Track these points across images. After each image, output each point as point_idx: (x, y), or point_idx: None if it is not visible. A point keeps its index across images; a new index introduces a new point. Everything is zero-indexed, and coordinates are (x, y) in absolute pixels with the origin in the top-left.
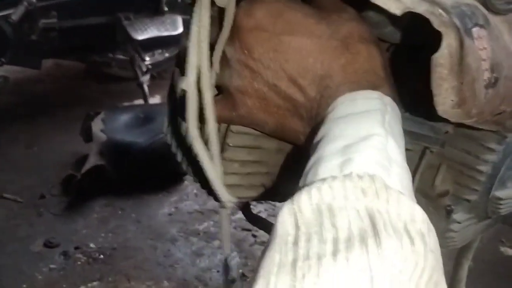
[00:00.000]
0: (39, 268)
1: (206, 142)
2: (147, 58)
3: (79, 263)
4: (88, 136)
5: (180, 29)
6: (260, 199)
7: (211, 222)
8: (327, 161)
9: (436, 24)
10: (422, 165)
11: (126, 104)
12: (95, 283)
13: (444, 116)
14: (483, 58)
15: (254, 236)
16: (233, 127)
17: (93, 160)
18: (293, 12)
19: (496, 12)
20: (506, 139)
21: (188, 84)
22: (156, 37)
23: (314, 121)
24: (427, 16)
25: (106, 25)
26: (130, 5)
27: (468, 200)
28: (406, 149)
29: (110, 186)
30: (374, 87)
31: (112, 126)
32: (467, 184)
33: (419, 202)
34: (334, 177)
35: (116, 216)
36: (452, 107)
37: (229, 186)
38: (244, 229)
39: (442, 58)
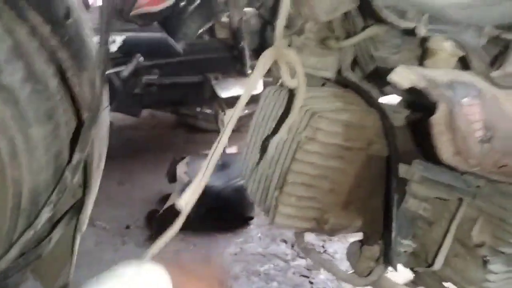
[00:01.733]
0: None
1: None
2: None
3: None
4: (172, 177)
5: (260, 89)
6: (311, 231)
7: (272, 265)
8: None
9: (433, 95)
10: (460, 216)
11: (207, 152)
12: None
13: (447, 163)
14: (474, 120)
15: (311, 282)
16: (293, 166)
17: (174, 198)
18: None
19: (502, 87)
20: None
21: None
22: (239, 96)
23: None
24: (427, 89)
25: (197, 83)
26: (219, 67)
27: (503, 253)
28: (441, 199)
29: (187, 223)
30: None
31: (194, 170)
32: (504, 237)
33: (457, 251)
34: None
35: (188, 250)
36: (451, 155)
37: (284, 216)
38: (302, 275)
39: (438, 119)
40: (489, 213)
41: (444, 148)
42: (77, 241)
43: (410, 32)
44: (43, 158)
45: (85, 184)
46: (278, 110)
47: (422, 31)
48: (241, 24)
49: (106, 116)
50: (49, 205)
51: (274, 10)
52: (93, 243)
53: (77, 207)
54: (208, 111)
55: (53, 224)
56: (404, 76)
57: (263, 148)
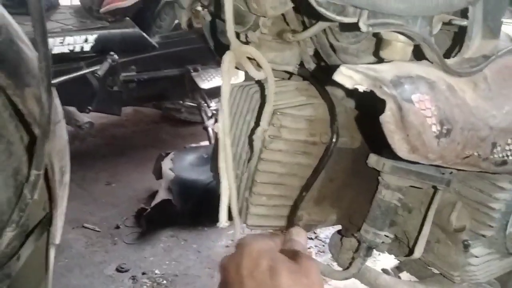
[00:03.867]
0: None
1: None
2: (212, 104)
3: (145, 287)
4: (159, 174)
5: (242, 79)
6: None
7: None
8: None
9: (378, 94)
10: (437, 202)
11: (193, 145)
12: None
13: (407, 159)
14: (427, 115)
15: None
16: (260, 166)
17: (161, 195)
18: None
19: (458, 75)
20: None
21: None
22: (220, 86)
23: None
24: (371, 88)
25: (177, 76)
26: (197, 58)
27: (483, 236)
28: (416, 187)
29: (175, 218)
30: None
31: (179, 165)
32: (483, 220)
33: (438, 236)
34: None
35: (179, 246)
36: (408, 152)
37: (256, 216)
38: None
39: (387, 117)
40: (467, 197)
41: (399, 146)
42: (52, 255)
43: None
44: None
45: (51, 198)
46: (249, 105)
47: (363, 27)
48: (191, 26)
49: (62, 128)
50: (11, 224)
51: (221, 7)
52: (83, 246)
53: (47, 221)
54: (191, 103)
55: (22, 241)
56: (348, 75)
57: (250, 144)
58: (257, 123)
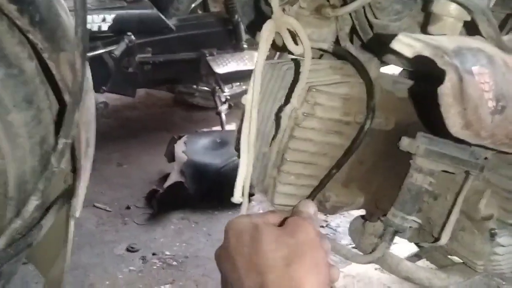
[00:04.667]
0: (120, 269)
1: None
2: (226, 90)
3: (155, 267)
4: (171, 156)
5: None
6: None
7: None
8: None
9: (439, 63)
10: (467, 189)
11: (205, 129)
12: (167, 286)
13: (457, 136)
14: (485, 89)
15: None
16: (291, 144)
17: (174, 178)
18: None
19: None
20: None
21: (246, 100)
22: (235, 71)
23: None
24: (432, 57)
25: (192, 60)
26: (213, 42)
27: (511, 225)
28: (449, 172)
29: (187, 201)
30: None
31: (192, 148)
32: (511, 209)
33: (464, 224)
34: None
35: (190, 228)
36: (461, 128)
37: (284, 195)
38: None
39: (446, 89)
40: (496, 185)
41: (454, 120)
42: (71, 227)
43: None
44: (26, 145)
45: (74, 170)
46: (281, 83)
47: None
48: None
49: (91, 99)
50: (36, 193)
51: None
52: (94, 225)
53: (69, 193)
54: (205, 88)
55: (44, 212)
56: (407, 44)
57: (277, 121)
58: (287, 101)
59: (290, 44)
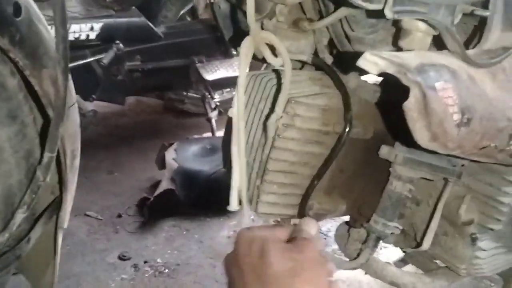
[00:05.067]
0: (112, 277)
1: None
2: (216, 96)
3: (146, 275)
4: (162, 164)
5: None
6: (295, 217)
7: None
8: None
9: (403, 81)
10: (447, 195)
11: (196, 136)
12: None
13: (427, 148)
14: (449, 103)
15: None
16: (272, 154)
17: (164, 185)
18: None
19: (478, 66)
20: None
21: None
22: (225, 78)
23: None
24: (396, 75)
25: (182, 67)
26: (202, 49)
27: (491, 229)
28: (427, 179)
29: (178, 208)
30: None
31: (183, 155)
32: (491, 214)
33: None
34: None
35: (182, 236)
36: (428, 141)
37: (267, 204)
38: None
39: (411, 104)
40: (476, 190)
41: (420, 134)
42: (59, 238)
43: (382, 12)
44: (11, 159)
45: (61, 182)
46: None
47: (389, 14)
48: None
49: (75, 112)
50: (23, 206)
51: None
52: (85, 233)
53: (56, 205)
54: (195, 94)
55: (32, 224)
56: (372, 62)
57: (265, 130)
58: (271, 111)
59: (269, 58)
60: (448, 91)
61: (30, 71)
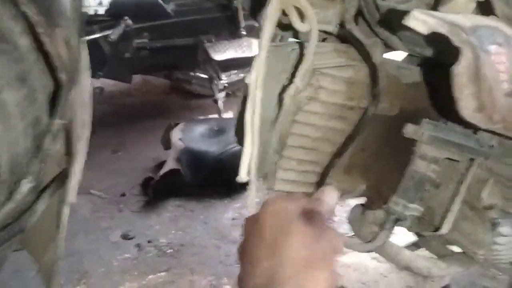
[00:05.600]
0: (115, 256)
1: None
2: (224, 77)
3: (150, 255)
4: (167, 144)
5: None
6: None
7: None
8: None
9: (456, 41)
10: (470, 177)
11: (202, 117)
12: (162, 274)
13: (469, 120)
14: (501, 70)
15: None
16: (293, 129)
17: (170, 165)
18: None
19: None
20: None
21: (250, 79)
22: (233, 58)
23: None
24: (448, 35)
25: (190, 46)
26: (212, 29)
27: None
28: (454, 160)
29: (183, 189)
30: None
31: (189, 136)
32: None
33: (465, 213)
34: None
35: (186, 216)
36: (473, 111)
37: (285, 181)
38: None
39: (461, 68)
40: (499, 174)
41: (466, 102)
42: (65, 212)
43: None
44: (19, 125)
45: (69, 153)
46: (284, 65)
47: None
48: None
49: (87, 79)
50: (29, 175)
51: None
52: (89, 211)
53: (63, 177)
54: (202, 75)
55: (37, 196)
56: (422, 20)
57: (280, 103)
58: (290, 82)
59: (296, 22)
60: (502, 56)
61: (44, 29)
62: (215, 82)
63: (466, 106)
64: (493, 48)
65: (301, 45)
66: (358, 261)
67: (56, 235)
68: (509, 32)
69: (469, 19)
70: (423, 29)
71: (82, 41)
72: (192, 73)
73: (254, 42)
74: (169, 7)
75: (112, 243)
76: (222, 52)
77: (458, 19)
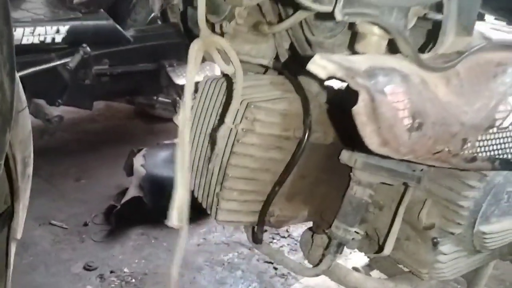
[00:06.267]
0: None
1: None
2: None
3: (113, 285)
4: (130, 170)
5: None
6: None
7: (236, 253)
8: None
9: (351, 84)
10: (407, 199)
11: (167, 141)
12: None
13: (378, 153)
14: (399, 108)
15: (275, 268)
16: (232, 160)
17: (132, 192)
18: None
19: (432, 70)
20: (487, 177)
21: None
22: (196, 82)
23: None
24: (345, 79)
25: (152, 71)
26: (173, 53)
27: (452, 233)
28: (388, 184)
29: (146, 216)
30: None
31: (152, 162)
32: (452, 218)
33: (408, 234)
34: None
35: (150, 244)
36: (379, 145)
37: (227, 211)
38: (266, 262)
39: (360, 108)
40: (436, 194)
41: (370, 138)
42: (12, 250)
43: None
44: None
45: (12, 191)
46: (219, 100)
47: (339, 16)
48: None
49: (26, 118)
50: None
51: None
52: (49, 243)
53: (8, 215)
54: (165, 99)
55: None
56: (321, 66)
57: (212, 140)
58: (221, 120)
59: (220, 64)
60: (399, 95)
61: None
62: (179, 105)
63: (371, 141)
64: (388, 88)
65: (230, 79)
66: (320, 282)
67: (4, 272)
68: (408, 70)
69: (368, 61)
70: (322, 74)
71: (16, 81)
72: (155, 97)
73: (216, 65)
74: (129, 33)
75: (73, 275)
76: (184, 76)
77: (357, 62)
